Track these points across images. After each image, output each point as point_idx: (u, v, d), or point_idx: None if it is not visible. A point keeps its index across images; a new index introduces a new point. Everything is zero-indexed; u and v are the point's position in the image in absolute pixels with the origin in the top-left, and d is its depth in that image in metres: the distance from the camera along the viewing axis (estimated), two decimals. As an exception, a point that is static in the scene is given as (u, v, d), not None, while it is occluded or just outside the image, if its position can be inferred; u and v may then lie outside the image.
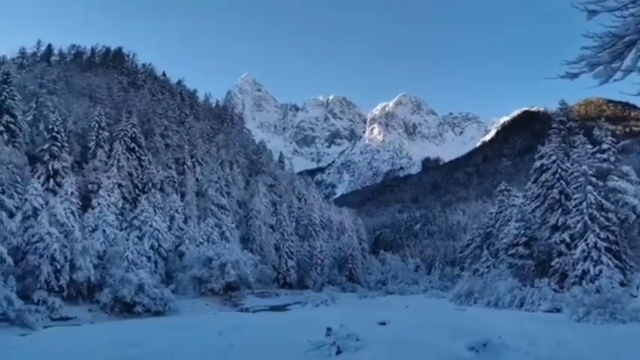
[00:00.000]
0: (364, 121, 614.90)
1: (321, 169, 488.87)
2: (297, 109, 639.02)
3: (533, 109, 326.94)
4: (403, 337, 16.32)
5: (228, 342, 17.63)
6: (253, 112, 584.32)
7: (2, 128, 45.81)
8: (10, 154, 41.81)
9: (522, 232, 41.21)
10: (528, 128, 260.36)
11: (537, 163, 42.25)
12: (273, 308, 46.59)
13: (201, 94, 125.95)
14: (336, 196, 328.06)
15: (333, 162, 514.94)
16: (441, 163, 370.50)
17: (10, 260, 31.49)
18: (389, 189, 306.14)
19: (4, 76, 50.06)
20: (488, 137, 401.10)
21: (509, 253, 42.34)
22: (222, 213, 63.44)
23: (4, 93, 48.28)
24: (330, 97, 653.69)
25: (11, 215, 35.25)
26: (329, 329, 14.73)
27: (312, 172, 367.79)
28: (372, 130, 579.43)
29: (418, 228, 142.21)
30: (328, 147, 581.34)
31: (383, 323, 21.86)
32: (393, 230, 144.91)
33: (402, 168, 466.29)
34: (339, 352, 13.76)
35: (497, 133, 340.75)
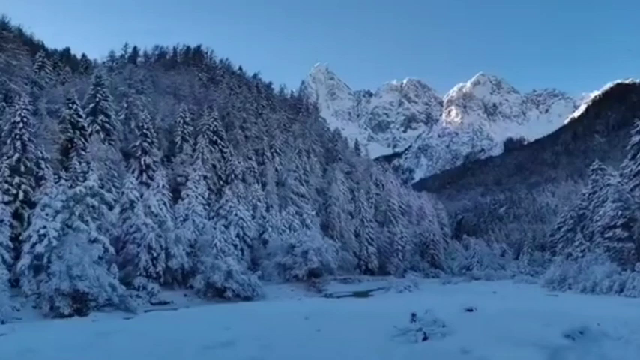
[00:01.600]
0: (440, 104, 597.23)
1: (397, 155, 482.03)
2: (371, 95, 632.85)
3: (627, 82, 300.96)
4: (492, 324, 15.66)
5: (316, 326, 17.89)
6: (327, 100, 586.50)
7: (98, 128, 49.40)
8: (106, 152, 45.11)
9: (620, 213, 38.36)
10: (622, 102, 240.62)
11: (635, 139, 39.05)
12: (356, 294, 46.88)
13: (276, 85, 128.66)
14: (415, 181, 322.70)
15: (409, 147, 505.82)
16: (525, 143, 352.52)
17: (112, 249, 34.16)
18: (470, 172, 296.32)
19: (97, 79, 53.91)
20: (577, 114, 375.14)
21: (606, 235, 39.59)
22: (301, 201, 64.54)
23: (99, 95, 52.00)
24: (404, 81, 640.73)
25: (110, 208, 37.96)
26: (414, 315, 14.50)
27: (388, 158, 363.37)
28: (450, 112, 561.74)
29: (503, 211, 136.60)
30: (404, 132, 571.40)
31: (470, 309, 21.10)
32: (476, 214, 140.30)
33: (482, 150, 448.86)
34: (425, 338, 13.50)
35: (587, 109, 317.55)
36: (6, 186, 34.90)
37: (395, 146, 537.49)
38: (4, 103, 42.61)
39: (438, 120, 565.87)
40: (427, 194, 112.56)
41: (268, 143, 71.91)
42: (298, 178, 67.37)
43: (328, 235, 61.06)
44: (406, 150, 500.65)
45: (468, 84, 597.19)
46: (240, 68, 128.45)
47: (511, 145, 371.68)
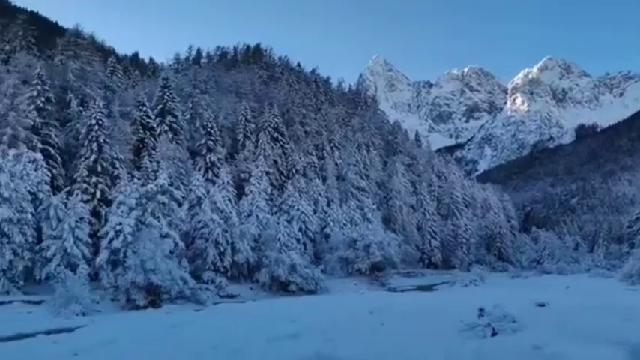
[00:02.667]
0: (505, 92, 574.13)
1: (460, 146, 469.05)
2: (431, 85, 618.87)
3: None
4: (566, 319, 14.96)
5: (380, 320, 17.88)
6: (386, 92, 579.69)
7: (167, 128, 51.56)
8: (174, 151, 47.05)
9: None
10: None
11: None
12: (420, 288, 46.32)
13: (334, 80, 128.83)
14: (479, 173, 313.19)
15: (472, 137, 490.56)
16: (599, 129, 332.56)
17: (182, 244, 35.78)
18: (538, 162, 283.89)
19: (164, 81, 56.26)
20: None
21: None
22: (362, 195, 64.35)
23: (166, 96, 54.25)
24: (466, 70, 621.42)
25: (179, 204, 39.65)
26: (481, 310, 14.17)
27: (450, 149, 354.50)
28: (515, 100, 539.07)
29: (575, 202, 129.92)
30: (466, 122, 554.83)
31: (542, 304, 20.30)
32: (545, 206, 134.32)
33: (551, 138, 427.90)
34: (494, 333, 13.15)
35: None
36: (85, 185, 37.30)
37: (457, 137, 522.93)
38: (80, 108, 45.43)
39: (502, 108, 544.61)
40: (492, 186, 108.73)
41: (328, 138, 72.17)
42: (358, 172, 67.20)
43: (390, 229, 60.54)
44: (469, 141, 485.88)
45: (535, 69, 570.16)
46: (298, 65, 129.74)
47: (583, 132, 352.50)
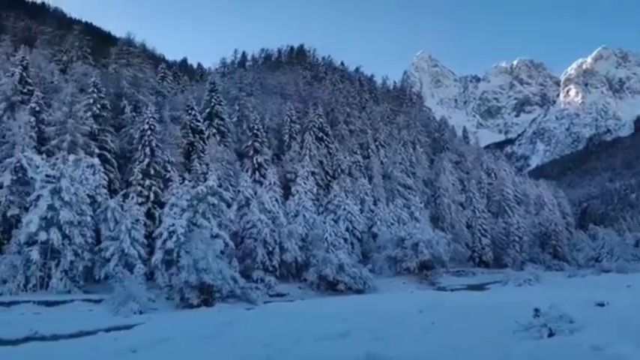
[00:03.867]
0: (557, 84, 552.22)
1: (510, 141, 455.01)
2: (479, 79, 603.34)
3: None
4: (627, 320, 14.24)
5: (430, 319, 17.62)
6: (431, 88, 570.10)
7: (215, 131, 52.82)
8: (222, 153, 48.13)
9: None
10: None
11: None
12: (471, 287, 45.33)
13: (378, 78, 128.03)
14: (531, 168, 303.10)
15: (523, 132, 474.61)
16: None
17: (232, 244, 36.62)
18: (594, 156, 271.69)
19: (212, 85, 57.71)
20: None
21: None
22: (409, 193, 63.66)
23: (213, 100, 55.61)
24: (515, 62, 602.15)
25: (229, 205, 40.58)
26: (537, 310, 13.73)
27: (500, 145, 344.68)
28: (568, 92, 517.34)
29: (635, 197, 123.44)
30: (516, 116, 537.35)
31: (601, 304, 19.37)
32: (603, 201, 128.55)
33: (608, 131, 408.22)
34: (551, 334, 12.70)
35: None
36: (139, 188, 38.77)
37: (507, 132, 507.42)
38: (133, 114, 47.27)
39: (554, 101, 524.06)
40: (545, 182, 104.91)
41: (373, 136, 71.82)
42: (404, 170, 66.50)
43: (438, 227, 59.61)
44: (519, 135, 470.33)
45: (589, 59, 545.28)
46: (342, 64, 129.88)
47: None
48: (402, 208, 58.39)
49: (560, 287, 39.09)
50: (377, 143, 70.92)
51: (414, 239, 48.98)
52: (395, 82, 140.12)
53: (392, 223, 55.13)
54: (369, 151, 68.29)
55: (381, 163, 66.53)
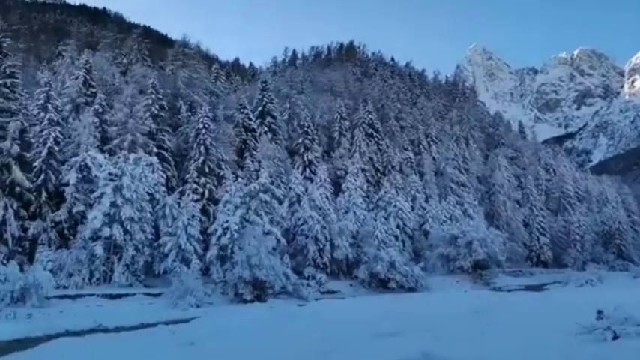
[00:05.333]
0: (621, 74, 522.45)
1: (570, 135, 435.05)
2: (536, 71, 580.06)
3: None
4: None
5: (486, 320, 17.22)
6: (485, 82, 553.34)
7: (266, 129, 53.63)
8: (274, 151, 48.81)
9: None
10: None
11: None
12: (528, 287, 43.97)
13: (429, 72, 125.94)
14: (592, 164, 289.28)
15: (584, 125, 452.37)
16: None
17: (283, 241, 37.17)
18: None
19: (263, 84, 58.61)
20: None
21: None
22: (462, 190, 62.24)
23: (265, 98, 56.47)
24: (575, 53, 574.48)
25: (280, 202, 41.13)
26: (600, 312, 13.28)
27: (559, 140, 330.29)
28: (633, 82, 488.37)
29: None
30: (577, 109, 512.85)
31: (672, 307, 18.28)
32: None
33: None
34: (615, 337, 12.20)
35: None
36: (194, 186, 39.96)
37: (566, 126, 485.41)
38: (189, 113, 48.72)
39: (618, 93, 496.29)
40: (609, 178, 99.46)
41: (424, 132, 70.69)
42: (457, 167, 65.05)
43: (493, 225, 57.91)
44: (580, 129, 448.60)
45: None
46: (392, 59, 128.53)
47: None
48: (455, 205, 57.17)
49: (625, 288, 37.12)
50: (429, 139, 69.77)
51: (467, 237, 47.85)
52: (447, 76, 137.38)
53: (444, 221, 54.11)
54: (421, 147, 67.27)
55: (433, 159, 65.37)
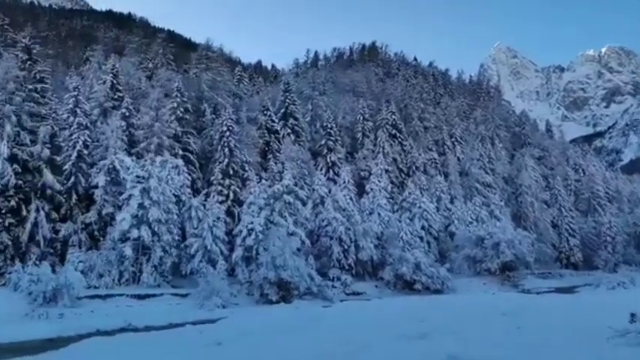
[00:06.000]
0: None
1: (599, 134, 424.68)
2: (562, 69, 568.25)
3: None
4: None
5: (514, 323, 16.90)
6: (510, 81, 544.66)
7: (289, 130, 53.86)
8: (297, 152, 48.95)
9: None
10: None
11: None
12: (558, 290, 43.11)
13: (453, 72, 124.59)
14: (623, 163, 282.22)
15: (614, 124, 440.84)
16: None
17: (307, 242, 37.22)
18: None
19: (285, 86, 58.91)
20: None
21: None
22: (488, 191, 61.36)
23: (287, 100, 56.73)
24: (603, 50, 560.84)
25: (304, 204, 41.21)
26: (633, 315, 12.97)
27: (588, 139, 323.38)
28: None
29: None
30: (606, 107, 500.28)
31: None
32: None
33: None
34: (649, 340, 11.79)
35: None
36: (219, 187, 40.37)
37: (595, 125, 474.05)
38: (213, 116, 49.25)
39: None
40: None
41: (448, 132, 69.95)
42: (483, 167, 64.15)
43: (520, 226, 56.91)
44: (610, 128, 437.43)
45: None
46: (415, 59, 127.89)
47: None
48: (481, 206, 56.36)
49: (660, 291, 36.04)
50: (453, 139, 69.01)
51: (494, 239, 47.14)
52: (471, 75, 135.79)
53: (470, 222, 53.40)
54: (445, 147, 66.60)
55: (458, 159, 64.64)
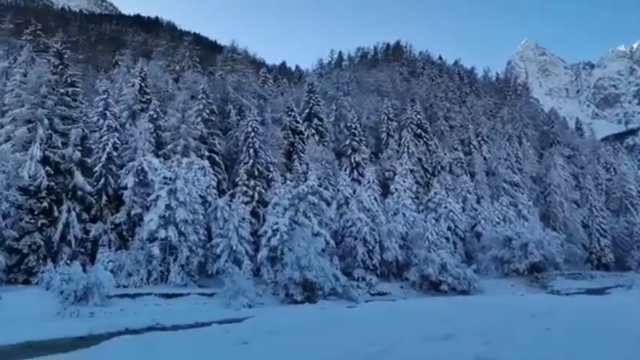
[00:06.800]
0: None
1: (631, 132, 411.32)
2: (593, 66, 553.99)
3: None
4: None
5: (544, 325, 16.55)
6: (539, 78, 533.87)
7: (313, 131, 54.02)
8: (321, 153, 49.03)
9: None
10: None
11: None
12: (589, 291, 42.03)
13: (479, 70, 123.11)
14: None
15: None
16: None
17: (332, 243, 37.27)
18: None
19: (309, 87, 59.10)
20: None
21: None
22: (515, 190, 60.33)
23: (311, 101, 56.91)
24: (635, 45, 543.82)
25: (328, 204, 41.27)
26: None
27: (619, 137, 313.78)
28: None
29: None
30: (638, 104, 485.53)
31: None
32: None
33: None
34: (684, 342, 11.42)
35: None
36: (244, 188, 40.76)
37: (627, 122, 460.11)
38: (238, 117, 49.78)
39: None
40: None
41: (474, 131, 69.08)
42: (510, 166, 63.09)
43: (549, 227, 55.79)
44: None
45: None
46: (440, 58, 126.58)
47: None
48: (508, 206, 55.43)
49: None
50: (479, 138, 68.13)
51: (522, 239, 46.31)
52: (497, 73, 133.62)
53: (497, 222, 52.57)
54: (471, 147, 65.79)
55: (484, 159, 63.76)
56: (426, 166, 58.64)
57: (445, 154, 59.67)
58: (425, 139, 61.42)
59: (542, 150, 75.08)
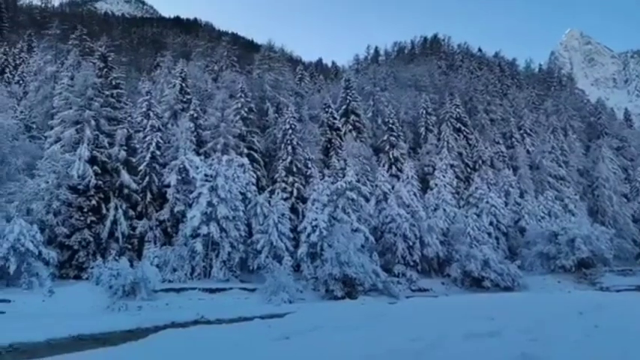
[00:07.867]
0: None
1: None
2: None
3: None
4: None
5: (592, 322, 16.00)
6: (584, 68, 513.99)
7: (351, 127, 53.88)
8: (359, 149, 48.90)
9: None
10: None
11: None
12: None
13: (520, 61, 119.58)
14: None
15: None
16: None
17: (372, 239, 37.13)
18: None
19: (346, 83, 58.96)
20: None
21: None
22: (561, 184, 58.38)
23: (348, 97, 56.79)
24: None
25: (367, 200, 41.20)
26: None
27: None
28: None
29: None
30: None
31: None
32: None
33: None
34: None
35: None
36: (283, 185, 41.15)
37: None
38: (276, 115, 50.25)
39: None
40: None
41: (516, 124, 67.28)
42: (555, 159, 61.07)
43: (597, 221, 53.69)
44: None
45: None
46: (479, 50, 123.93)
47: None
48: (554, 200, 53.68)
49: None
50: (522, 131, 66.27)
51: (569, 234, 44.79)
52: (540, 64, 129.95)
53: (542, 217, 50.99)
54: (513, 140, 64.07)
55: (528, 152, 61.99)
56: (466, 160, 57.51)
57: (486, 148, 58.36)
58: (465, 133, 60.27)
59: (588, 142, 72.31)
